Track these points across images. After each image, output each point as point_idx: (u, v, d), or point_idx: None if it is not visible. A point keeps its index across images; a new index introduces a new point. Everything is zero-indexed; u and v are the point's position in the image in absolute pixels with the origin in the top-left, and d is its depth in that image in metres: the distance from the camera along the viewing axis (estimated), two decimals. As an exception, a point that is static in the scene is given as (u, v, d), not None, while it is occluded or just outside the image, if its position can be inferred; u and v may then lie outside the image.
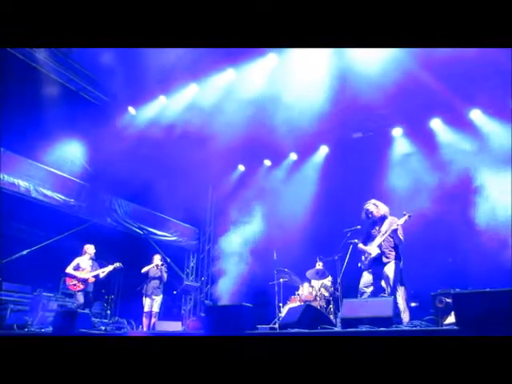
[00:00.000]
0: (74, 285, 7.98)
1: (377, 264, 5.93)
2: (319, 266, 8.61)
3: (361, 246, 6.18)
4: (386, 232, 5.94)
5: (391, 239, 5.89)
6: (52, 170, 9.09)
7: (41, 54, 8.26)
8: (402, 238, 5.83)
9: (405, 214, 5.94)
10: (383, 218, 6.10)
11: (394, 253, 5.85)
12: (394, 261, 5.80)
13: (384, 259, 5.87)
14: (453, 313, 3.48)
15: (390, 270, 5.76)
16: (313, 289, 8.29)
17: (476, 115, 9.14)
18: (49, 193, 8.95)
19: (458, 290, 3.72)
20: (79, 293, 7.99)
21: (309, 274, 8.54)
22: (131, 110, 9.85)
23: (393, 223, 5.89)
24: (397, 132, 10.10)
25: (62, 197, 9.24)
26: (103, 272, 8.33)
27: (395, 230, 5.83)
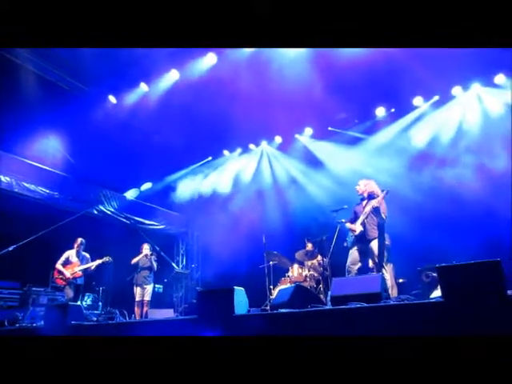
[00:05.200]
0: (61, 279, 7.94)
1: (361, 242, 6.02)
2: (308, 247, 8.69)
3: (347, 224, 6.26)
4: (367, 210, 6.03)
5: (375, 217, 5.97)
6: (34, 163, 8.95)
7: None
8: (384, 216, 5.89)
9: (383, 191, 6.02)
10: (370, 197, 6.16)
11: (376, 230, 5.93)
12: (377, 238, 5.89)
13: (367, 237, 5.96)
14: (439, 286, 3.55)
15: (374, 247, 5.86)
16: (302, 270, 8.38)
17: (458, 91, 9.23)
18: (32, 187, 8.83)
19: (443, 264, 3.80)
20: (68, 286, 7.95)
21: (298, 255, 8.62)
22: (111, 98, 9.69)
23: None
24: (380, 111, 10.13)
25: (46, 190, 9.13)
26: (92, 266, 8.30)
27: (377, 209, 5.89)
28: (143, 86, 9.43)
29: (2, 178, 8.21)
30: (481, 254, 6.15)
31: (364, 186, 6.25)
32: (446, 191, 8.43)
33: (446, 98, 9.38)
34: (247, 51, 8.31)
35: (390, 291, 5.63)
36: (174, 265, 12.11)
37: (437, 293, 5.62)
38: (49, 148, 9.22)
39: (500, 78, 8.63)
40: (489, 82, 8.83)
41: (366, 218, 6.03)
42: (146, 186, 11.97)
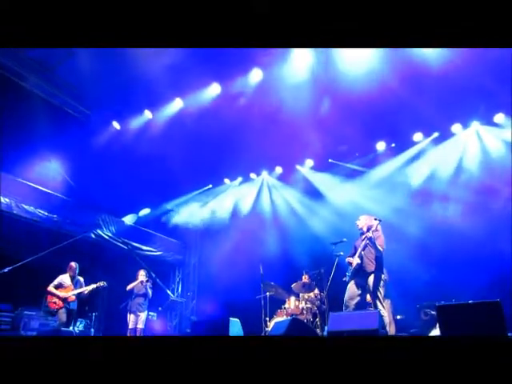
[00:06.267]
0: (55, 303, 7.79)
1: (359, 276, 5.96)
2: (305, 279, 8.59)
3: (347, 258, 6.23)
4: (362, 242, 6.02)
5: (372, 250, 5.93)
6: (34, 185, 8.96)
7: (23, 69, 8.19)
8: (380, 248, 5.85)
9: (375, 219, 6.01)
10: (368, 231, 6.14)
11: (374, 264, 5.88)
12: (374, 272, 5.82)
13: (364, 270, 5.91)
14: (437, 325, 3.50)
15: (370, 281, 5.79)
16: (299, 302, 8.26)
17: (457, 129, 9.32)
18: (31, 209, 8.82)
19: (442, 302, 3.75)
20: (61, 311, 7.79)
21: (295, 287, 8.51)
22: (115, 124, 9.79)
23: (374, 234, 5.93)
24: (380, 146, 10.20)
25: (45, 213, 9.11)
26: (86, 290, 8.17)
27: (371, 240, 5.86)
28: (147, 113, 9.54)
29: (2, 199, 8.20)
30: (483, 293, 6.09)
31: (364, 221, 6.25)
32: (447, 228, 8.35)
33: (445, 134, 9.46)
34: (250, 82, 8.46)
35: (387, 328, 5.54)
36: (169, 292, 11.96)
37: (435, 332, 5.54)
38: (50, 171, 9.26)
39: (499, 118, 8.73)
40: (488, 121, 8.93)
41: (363, 250, 6.00)
42: (145, 211, 11.95)
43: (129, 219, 11.52)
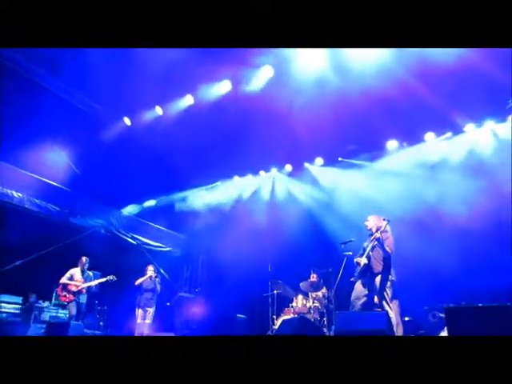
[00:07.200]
0: (65, 296, 7.93)
1: (366, 276, 5.94)
2: (313, 278, 8.59)
3: (356, 258, 6.21)
4: (370, 243, 5.99)
5: (380, 251, 5.89)
6: (46, 180, 9.06)
7: (34, 64, 8.24)
8: (388, 249, 5.81)
9: (384, 219, 5.97)
10: (377, 231, 6.12)
11: (381, 264, 5.85)
12: (381, 273, 5.80)
13: (371, 270, 5.89)
14: (446, 327, 3.48)
15: (377, 281, 5.77)
16: (307, 301, 8.26)
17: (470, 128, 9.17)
18: (42, 203, 8.93)
19: (451, 305, 3.72)
20: (71, 304, 7.92)
21: (303, 285, 8.52)
22: (126, 120, 9.84)
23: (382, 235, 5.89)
24: (392, 144, 10.08)
25: (56, 207, 9.22)
26: (95, 283, 8.29)
27: (379, 241, 5.82)
28: (158, 109, 9.56)
29: (14, 194, 8.32)
30: (494, 297, 6.02)
31: (373, 222, 6.22)
32: (460, 228, 8.16)
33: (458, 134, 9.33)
34: (261, 80, 8.44)
35: (394, 329, 5.52)
36: (177, 287, 12.03)
37: (443, 334, 5.50)
38: (60, 165, 9.34)
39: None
40: (503, 120, 8.71)
41: (371, 250, 5.97)
42: (149, 203, 11.94)
43: (130, 209, 11.47)
